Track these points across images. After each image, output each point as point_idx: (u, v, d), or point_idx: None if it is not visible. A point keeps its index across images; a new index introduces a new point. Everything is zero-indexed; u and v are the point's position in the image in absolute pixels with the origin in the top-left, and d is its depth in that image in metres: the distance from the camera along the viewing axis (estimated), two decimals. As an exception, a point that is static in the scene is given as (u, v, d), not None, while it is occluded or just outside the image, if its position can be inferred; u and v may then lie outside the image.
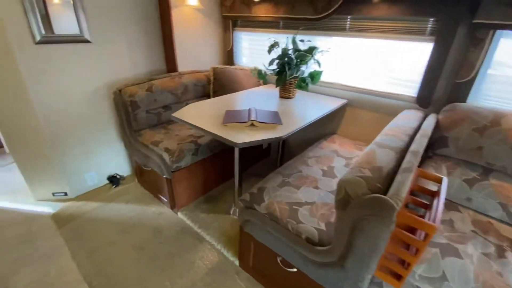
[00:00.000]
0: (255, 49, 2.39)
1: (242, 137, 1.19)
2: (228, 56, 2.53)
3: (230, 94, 1.96)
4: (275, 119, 1.39)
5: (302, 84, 1.73)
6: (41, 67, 1.61)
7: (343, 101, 1.87)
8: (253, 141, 1.15)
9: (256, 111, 1.45)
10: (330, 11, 1.68)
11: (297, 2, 1.81)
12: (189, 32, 2.17)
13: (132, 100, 1.78)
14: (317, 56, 1.77)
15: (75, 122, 1.86)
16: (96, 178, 2.13)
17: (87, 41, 1.74)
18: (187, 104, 2.17)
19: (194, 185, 1.91)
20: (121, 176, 2.27)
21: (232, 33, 2.42)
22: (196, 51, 2.30)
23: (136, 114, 1.84)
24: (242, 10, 2.15)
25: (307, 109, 1.68)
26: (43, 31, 1.55)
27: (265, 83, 2.33)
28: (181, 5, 2.03)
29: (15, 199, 2.03)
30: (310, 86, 1.92)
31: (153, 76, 2.04)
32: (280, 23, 2.09)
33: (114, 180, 2.18)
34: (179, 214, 1.85)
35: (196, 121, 1.37)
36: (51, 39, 1.60)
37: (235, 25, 2.42)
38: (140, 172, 2.13)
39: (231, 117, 1.38)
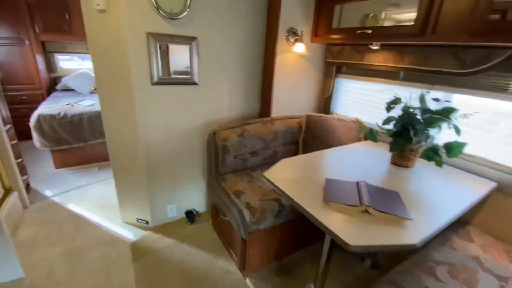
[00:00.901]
0: (358, 99, 2.09)
1: (355, 232, 0.88)
2: (325, 103, 2.31)
3: (327, 150, 1.68)
4: (399, 208, 1.02)
5: (435, 157, 1.31)
6: (151, 104, 1.73)
7: (491, 185, 1.33)
8: (373, 246, 0.82)
9: (367, 188, 1.12)
10: (485, 67, 1.25)
11: (432, 53, 1.45)
12: (288, 77, 2.07)
13: (224, 145, 1.72)
14: (456, 120, 1.33)
15: (169, 156, 1.93)
16: (176, 211, 2.14)
17: (195, 84, 1.81)
18: (274, 151, 2.01)
19: (268, 249, 1.65)
20: (197, 212, 2.22)
21: (334, 79, 2.20)
22: (291, 96, 2.16)
23: (225, 158, 1.76)
24: (352, 57, 1.92)
25: (438, 190, 1.24)
26: (160, 74, 1.67)
27: (366, 138, 1.97)
28: (287, 51, 1.95)
29: (107, 215, 2.21)
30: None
31: (247, 120, 1.97)
32: (400, 74, 1.75)
33: (190, 216, 2.14)
34: (247, 281, 1.60)
35: (291, 189, 1.14)
36: (165, 80, 1.71)
37: (338, 71, 2.20)
38: (216, 214, 2.02)
39: (335, 193, 1.09)
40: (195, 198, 2.20)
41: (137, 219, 2.09)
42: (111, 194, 2.47)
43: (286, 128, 2.02)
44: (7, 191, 2.09)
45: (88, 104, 3.11)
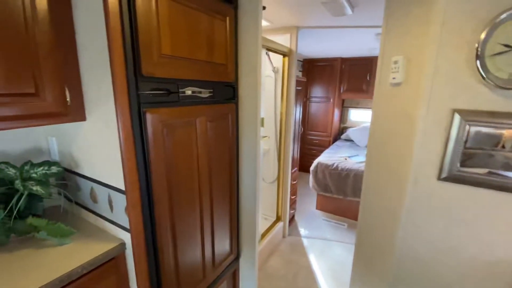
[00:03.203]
0: None
1: None
2: None
3: None
4: None
5: None
6: (429, 206, 1.19)
7: None
8: None
9: None
10: None
11: None
12: None
13: None
14: None
15: (427, 283, 1.26)
16: None
17: (525, 193, 0.99)
18: None
19: None
20: None
21: None
22: None
23: None
24: None
25: None
26: (456, 166, 1.09)
27: None
28: None
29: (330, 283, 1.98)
30: None
31: None
32: None
33: None
34: None
35: None
36: (462, 177, 1.09)
37: None
38: None
39: None
40: None
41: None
42: (346, 267, 2.21)
43: None
44: (277, 220, 2.61)
45: (359, 161, 3.14)
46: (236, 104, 1.48)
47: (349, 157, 3.29)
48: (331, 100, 4.31)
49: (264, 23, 2.06)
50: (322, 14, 1.95)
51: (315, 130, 4.54)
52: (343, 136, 4.49)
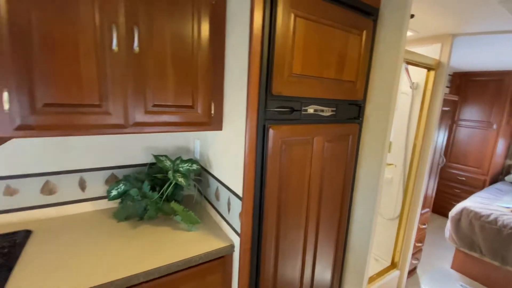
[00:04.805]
0: None
1: None
2: None
3: None
4: None
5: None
6: None
7: None
8: None
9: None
10: None
11: None
12: None
13: None
14: None
15: None
16: None
17: None
18: None
19: None
20: None
21: None
22: None
23: None
24: None
25: None
26: None
27: None
28: None
29: None
30: None
31: None
32: None
33: None
34: None
35: None
36: None
37: None
38: None
39: None
40: None
41: None
42: None
43: None
44: (392, 266, 2.16)
45: (539, 218, 2.14)
46: (360, 124, 1.33)
47: (519, 209, 2.31)
48: (494, 126, 3.21)
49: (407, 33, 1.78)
50: (495, 16, 1.48)
51: (462, 163, 3.51)
52: (508, 178, 3.24)
